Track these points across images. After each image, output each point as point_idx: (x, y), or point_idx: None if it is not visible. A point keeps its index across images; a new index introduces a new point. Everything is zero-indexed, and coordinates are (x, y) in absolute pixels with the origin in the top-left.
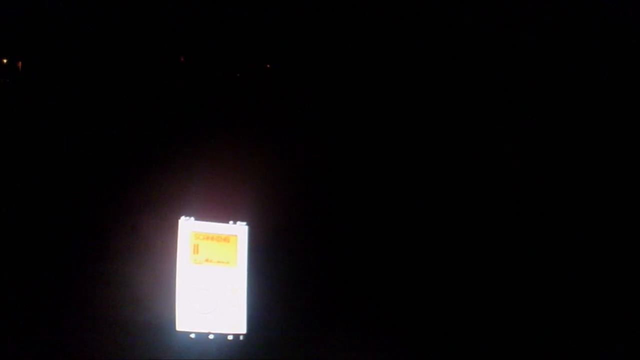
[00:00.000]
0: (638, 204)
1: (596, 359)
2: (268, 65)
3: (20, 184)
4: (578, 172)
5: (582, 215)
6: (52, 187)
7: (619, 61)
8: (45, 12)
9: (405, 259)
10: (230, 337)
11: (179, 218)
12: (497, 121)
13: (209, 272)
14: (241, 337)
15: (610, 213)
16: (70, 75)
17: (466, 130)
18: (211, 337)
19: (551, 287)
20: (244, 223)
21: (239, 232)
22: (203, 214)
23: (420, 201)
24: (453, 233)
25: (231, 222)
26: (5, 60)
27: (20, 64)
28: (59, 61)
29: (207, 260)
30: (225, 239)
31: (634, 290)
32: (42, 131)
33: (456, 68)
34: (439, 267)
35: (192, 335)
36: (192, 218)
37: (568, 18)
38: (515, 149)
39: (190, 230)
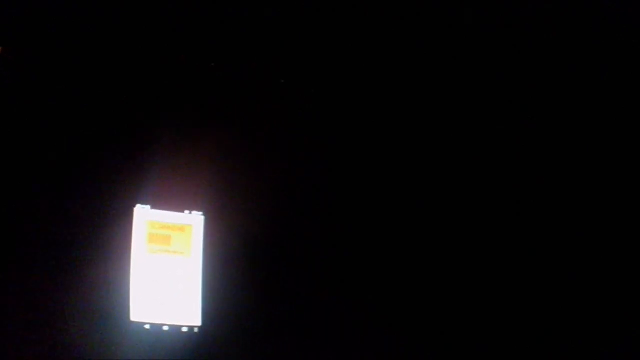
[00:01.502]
0: (638, 204)
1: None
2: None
3: None
4: (578, 172)
5: (582, 215)
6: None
7: (619, 61)
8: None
9: (366, 250)
10: (184, 329)
11: (135, 206)
12: (497, 121)
13: (164, 262)
14: (196, 330)
15: (610, 213)
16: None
17: (465, 131)
18: (166, 328)
19: (551, 287)
20: (200, 213)
21: (194, 221)
22: (159, 203)
23: (391, 194)
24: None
25: (187, 211)
26: None
27: None
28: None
29: (162, 250)
30: (181, 228)
31: (634, 290)
32: None
33: (456, 68)
34: (409, 262)
35: (147, 326)
36: (148, 206)
37: (568, 18)
38: (515, 149)
39: (145, 219)
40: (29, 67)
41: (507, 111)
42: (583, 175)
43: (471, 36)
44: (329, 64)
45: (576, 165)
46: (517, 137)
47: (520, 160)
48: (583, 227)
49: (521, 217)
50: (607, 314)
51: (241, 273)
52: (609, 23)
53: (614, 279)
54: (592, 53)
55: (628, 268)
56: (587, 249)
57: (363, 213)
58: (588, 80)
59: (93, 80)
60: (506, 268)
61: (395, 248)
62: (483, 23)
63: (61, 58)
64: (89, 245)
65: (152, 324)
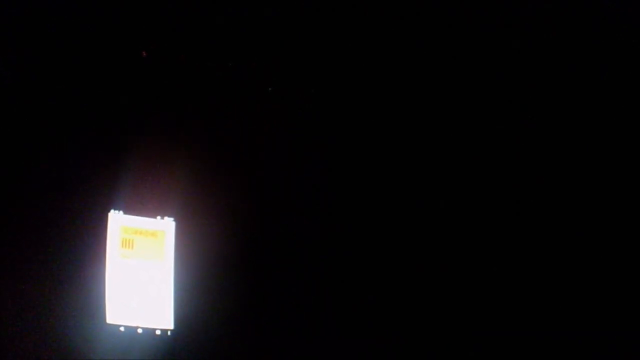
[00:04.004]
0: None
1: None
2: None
3: None
4: (578, 173)
5: (582, 215)
6: None
7: (619, 61)
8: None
9: (342, 255)
10: (158, 332)
11: (109, 211)
12: (497, 121)
13: (138, 267)
14: (169, 333)
15: (610, 213)
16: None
17: (465, 131)
18: (140, 331)
19: (551, 287)
20: (172, 218)
21: (166, 227)
22: (132, 208)
23: (373, 199)
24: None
25: (159, 217)
26: None
27: None
28: None
29: (135, 255)
30: (153, 233)
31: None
32: None
33: (456, 68)
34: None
35: (122, 329)
36: (121, 212)
37: (568, 18)
38: (515, 149)
39: (119, 224)
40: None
41: (507, 111)
42: (583, 175)
43: (471, 36)
44: (325, 66)
45: (576, 166)
46: (517, 137)
47: (520, 160)
48: (583, 227)
49: (521, 217)
50: (607, 314)
51: (212, 277)
52: (609, 23)
53: (614, 279)
54: (592, 53)
55: (628, 268)
56: (587, 249)
57: (339, 218)
58: (588, 80)
59: (65, 87)
60: (506, 268)
61: (377, 254)
62: (483, 23)
63: (36, 62)
64: (64, 249)
65: (126, 327)
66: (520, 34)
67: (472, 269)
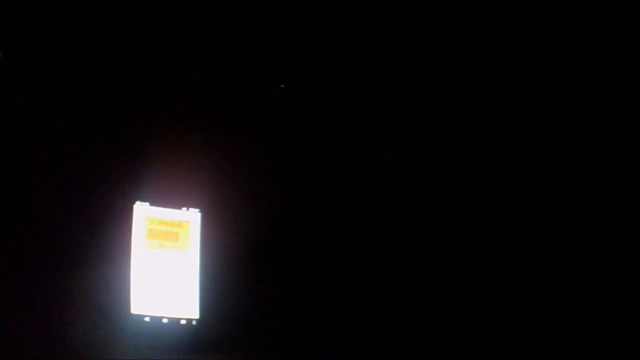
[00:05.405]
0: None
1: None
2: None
3: None
4: (578, 173)
5: (582, 215)
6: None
7: (619, 61)
8: None
9: (358, 247)
10: (183, 322)
11: (134, 203)
12: (497, 121)
13: (163, 257)
14: (194, 322)
15: (610, 213)
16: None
17: (465, 131)
18: (165, 321)
19: (551, 287)
20: (197, 210)
21: (191, 218)
22: (157, 200)
23: (388, 193)
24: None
25: (184, 208)
26: None
27: None
28: None
29: (160, 246)
30: (179, 224)
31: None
32: None
33: (456, 68)
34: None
35: (147, 319)
36: (147, 203)
37: (568, 18)
38: (515, 149)
39: (145, 215)
40: (30, 66)
41: (507, 111)
42: (583, 175)
43: (471, 36)
44: (327, 66)
45: (576, 165)
46: (517, 137)
47: (520, 160)
48: (583, 227)
49: (521, 217)
50: (607, 314)
51: (237, 267)
52: (608, 23)
53: (614, 279)
54: (592, 53)
55: (628, 268)
56: (587, 249)
57: (354, 210)
58: (588, 80)
59: (92, 81)
60: (506, 268)
61: (393, 246)
62: (483, 23)
63: (62, 58)
64: (91, 240)
65: (151, 317)
66: (521, 34)
67: (471, 269)
